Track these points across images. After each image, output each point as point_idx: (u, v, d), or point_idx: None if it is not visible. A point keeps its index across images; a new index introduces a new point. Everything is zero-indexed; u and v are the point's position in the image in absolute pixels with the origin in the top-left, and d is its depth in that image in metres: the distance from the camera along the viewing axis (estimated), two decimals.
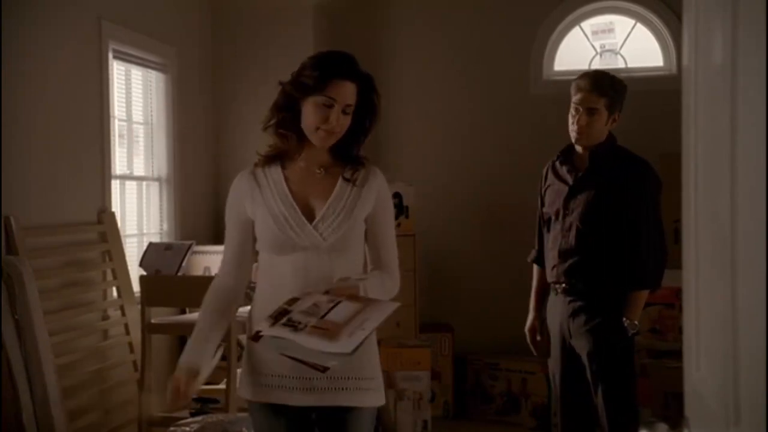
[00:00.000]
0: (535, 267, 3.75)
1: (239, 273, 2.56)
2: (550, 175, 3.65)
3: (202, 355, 2.43)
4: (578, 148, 3.56)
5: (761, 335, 0.94)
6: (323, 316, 2.17)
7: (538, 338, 3.72)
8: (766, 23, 0.93)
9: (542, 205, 3.70)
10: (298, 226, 2.43)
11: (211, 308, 2.52)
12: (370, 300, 2.30)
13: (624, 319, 3.39)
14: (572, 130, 3.51)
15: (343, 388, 2.42)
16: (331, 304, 2.22)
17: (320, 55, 2.48)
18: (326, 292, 2.28)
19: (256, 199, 2.49)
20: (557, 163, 3.63)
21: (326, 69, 2.41)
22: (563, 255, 3.50)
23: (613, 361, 3.43)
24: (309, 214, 2.45)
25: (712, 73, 1.22)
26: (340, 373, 2.39)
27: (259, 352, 2.41)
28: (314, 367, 2.15)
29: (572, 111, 3.52)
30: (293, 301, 2.26)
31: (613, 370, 3.43)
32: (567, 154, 3.61)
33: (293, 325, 2.15)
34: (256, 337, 2.18)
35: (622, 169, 3.46)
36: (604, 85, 3.49)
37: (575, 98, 3.50)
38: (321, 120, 2.40)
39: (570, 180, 3.54)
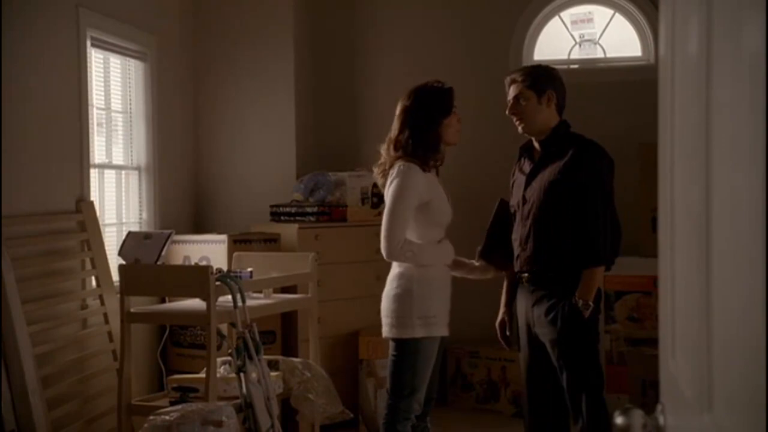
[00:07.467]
0: None
1: None
2: (516, 171, 3.74)
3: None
4: (535, 143, 3.63)
5: (733, 323, 0.95)
6: None
7: (508, 333, 3.77)
8: (745, 12, 0.94)
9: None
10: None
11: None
12: None
13: (576, 298, 3.41)
14: (516, 125, 3.64)
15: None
16: None
17: None
18: None
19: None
20: (522, 159, 3.71)
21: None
22: (523, 243, 3.58)
23: (575, 347, 3.46)
24: None
25: (687, 62, 1.23)
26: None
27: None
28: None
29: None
30: None
31: (576, 356, 3.47)
32: (527, 149, 3.70)
33: None
34: None
35: (572, 153, 3.50)
36: (520, 72, 3.68)
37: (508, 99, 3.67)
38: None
39: (528, 171, 3.62)
